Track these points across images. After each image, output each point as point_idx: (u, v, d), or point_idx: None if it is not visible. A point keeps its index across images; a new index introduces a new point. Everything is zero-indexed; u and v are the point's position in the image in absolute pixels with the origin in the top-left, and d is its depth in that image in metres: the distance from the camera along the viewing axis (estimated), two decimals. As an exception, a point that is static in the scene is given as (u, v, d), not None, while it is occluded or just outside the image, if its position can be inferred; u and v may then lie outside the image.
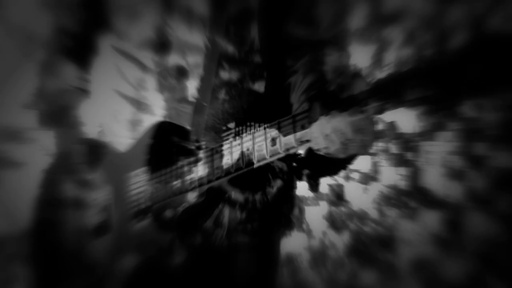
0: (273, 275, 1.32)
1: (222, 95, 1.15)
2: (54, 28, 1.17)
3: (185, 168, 1.09)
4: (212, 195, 1.14)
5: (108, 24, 1.17)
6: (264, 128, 0.97)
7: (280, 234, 1.30)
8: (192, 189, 1.08)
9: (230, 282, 1.24)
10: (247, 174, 1.09)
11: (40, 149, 1.21)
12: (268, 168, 1.21)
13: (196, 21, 1.14)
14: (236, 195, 1.19)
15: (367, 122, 0.89)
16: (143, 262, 1.16)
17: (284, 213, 1.29)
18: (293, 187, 1.30)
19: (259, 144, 0.98)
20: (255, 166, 0.98)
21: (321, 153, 0.94)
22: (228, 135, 1.03)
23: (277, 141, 0.94)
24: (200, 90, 1.14)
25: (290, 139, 0.93)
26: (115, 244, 1.17)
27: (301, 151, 0.97)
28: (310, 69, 1.15)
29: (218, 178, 1.04)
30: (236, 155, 1.01)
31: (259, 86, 1.16)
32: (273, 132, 0.95)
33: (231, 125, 1.03)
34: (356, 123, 0.88)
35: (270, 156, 0.96)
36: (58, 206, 1.21)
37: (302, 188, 1.34)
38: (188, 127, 1.13)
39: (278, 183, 1.24)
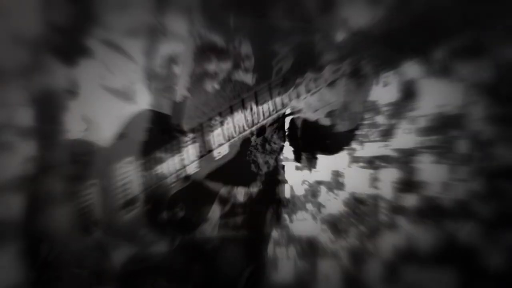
0: (262, 270, 1.30)
1: (209, 86, 1.16)
2: (42, 22, 1.18)
3: (168, 153, 1.10)
4: (198, 189, 1.14)
5: (95, 15, 1.18)
6: (242, 100, 0.99)
7: (268, 229, 1.28)
8: (177, 172, 1.08)
9: (218, 276, 1.22)
10: (232, 167, 1.10)
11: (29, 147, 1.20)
12: (253, 162, 1.21)
13: (184, 11, 1.17)
14: (221, 188, 1.19)
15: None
16: (133, 256, 1.14)
17: (272, 207, 1.28)
18: (280, 180, 1.30)
19: (238, 118, 0.99)
20: (236, 138, 0.99)
21: (306, 117, 0.95)
22: (214, 121, 1.04)
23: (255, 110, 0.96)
24: (185, 80, 1.16)
25: (268, 105, 0.94)
26: (104, 238, 1.16)
27: (287, 111, 0.97)
28: (297, 54, 1.17)
29: (201, 157, 1.04)
30: (217, 131, 1.02)
31: (247, 77, 1.17)
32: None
33: (217, 118, 1.04)
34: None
35: (251, 126, 0.97)
36: (46, 203, 1.20)
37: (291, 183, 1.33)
38: (170, 113, 1.14)
39: (264, 176, 1.23)
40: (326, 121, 0.95)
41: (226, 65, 1.16)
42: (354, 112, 0.93)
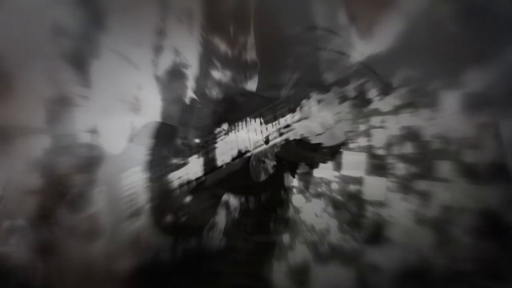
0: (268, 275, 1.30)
1: (214, 94, 1.15)
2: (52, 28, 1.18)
3: (175, 166, 1.10)
4: (205, 197, 1.14)
5: (104, 24, 1.17)
6: (246, 120, 0.97)
7: (276, 235, 1.28)
8: (182, 186, 1.08)
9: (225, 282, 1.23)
10: (238, 174, 1.09)
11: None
12: (260, 168, 1.20)
13: (191, 19, 1.14)
14: (229, 197, 1.18)
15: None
16: (139, 265, 1.16)
17: (278, 214, 1.27)
18: (285, 188, 1.28)
19: (242, 137, 0.98)
20: (239, 159, 0.98)
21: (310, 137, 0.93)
22: (219, 133, 1.03)
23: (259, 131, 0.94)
24: (192, 89, 1.15)
25: (271, 128, 0.92)
26: (110, 247, 1.18)
27: (287, 136, 0.95)
28: (302, 64, 1.13)
29: (205, 174, 1.04)
30: (221, 150, 1.01)
31: (251, 85, 1.15)
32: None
33: (224, 125, 1.03)
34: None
35: (254, 148, 0.96)
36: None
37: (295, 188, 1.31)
38: (177, 125, 1.14)
39: (270, 183, 1.22)
40: (317, 139, 0.93)
41: (233, 74, 1.14)
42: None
